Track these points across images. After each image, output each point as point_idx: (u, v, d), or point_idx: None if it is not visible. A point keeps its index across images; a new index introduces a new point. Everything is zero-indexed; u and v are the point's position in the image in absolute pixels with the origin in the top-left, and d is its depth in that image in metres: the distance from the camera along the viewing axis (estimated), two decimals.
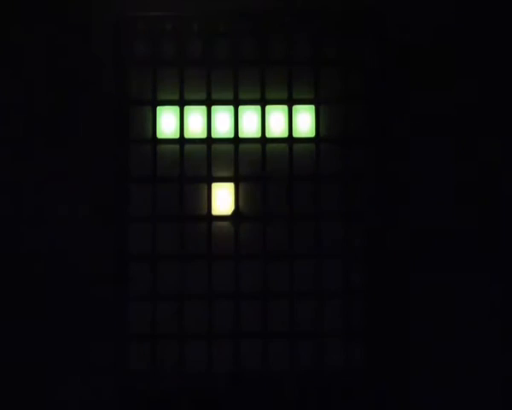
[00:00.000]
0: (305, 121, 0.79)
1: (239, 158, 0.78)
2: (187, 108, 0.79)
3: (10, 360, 0.76)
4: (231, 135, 0.79)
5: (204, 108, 0.79)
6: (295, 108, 0.79)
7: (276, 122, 0.79)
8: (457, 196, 0.78)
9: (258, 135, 0.79)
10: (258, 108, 0.79)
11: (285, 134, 0.79)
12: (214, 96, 0.79)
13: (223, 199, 0.78)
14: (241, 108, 0.79)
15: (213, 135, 0.79)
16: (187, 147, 0.78)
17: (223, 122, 0.79)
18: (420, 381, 0.77)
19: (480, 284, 0.77)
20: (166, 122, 0.79)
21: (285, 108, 0.79)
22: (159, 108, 0.79)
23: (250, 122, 0.79)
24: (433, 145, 0.78)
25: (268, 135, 0.79)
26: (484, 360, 0.77)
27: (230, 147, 0.79)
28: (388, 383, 0.76)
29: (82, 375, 0.76)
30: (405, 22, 0.79)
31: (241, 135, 0.79)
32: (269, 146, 0.79)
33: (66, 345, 0.76)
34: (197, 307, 0.77)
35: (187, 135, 0.79)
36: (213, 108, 0.79)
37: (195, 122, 0.79)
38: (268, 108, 0.79)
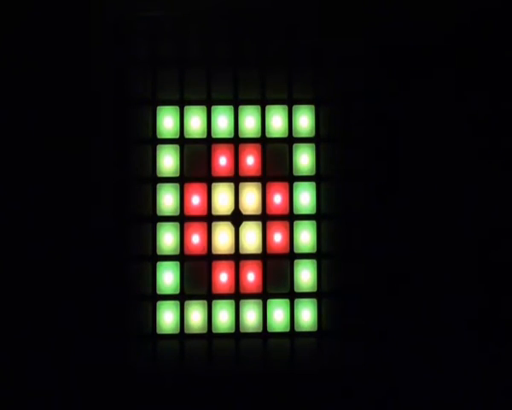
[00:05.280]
0: (305, 121, 0.79)
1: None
2: (187, 108, 0.79)
3: (10, 359, 0.76)
4: (231, 135, 0.79)
5: (204, 108, 0.79)
6: (295, 107, 0.79)
7: (276, 122, 0.79)
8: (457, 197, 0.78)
9: (258, 135, 0.79)
10: (258, 108, 0.79)
11: (285, 134, 0.79)
12: (214, 96, 0.79)
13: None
14: (241, 108, 0.79)
15: (213, 135, 0.79)
16: (187, 147, 0.79)
17: (223, 122, 0.79)
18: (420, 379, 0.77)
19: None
20: (166, 122, 0.79)
21: (285, 107, 0.79)
22: (159, 108, 0.79)
23: (250, 122, 0.79)
24: (432, 145, 0.79)
25: (268, 135, 0.79)
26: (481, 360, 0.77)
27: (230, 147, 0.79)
28: (388, 383, 0.77)
29: (83, 374, 0.76)
30: (403, 24, 0.79)
31: (241, 135, 0.79)
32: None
33: (68, 344, 0.76)
34: (198, 307, 0.77)
35: (187, 135, 0.79)
36: (213, 108, 0.79)
37: (195, 122, 0.79)
38: (268, 108, 0.79)
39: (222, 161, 0.79)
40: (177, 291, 0.77)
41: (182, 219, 0.78)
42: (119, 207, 0.77)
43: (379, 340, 0.77)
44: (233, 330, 0.77)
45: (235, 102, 0.79)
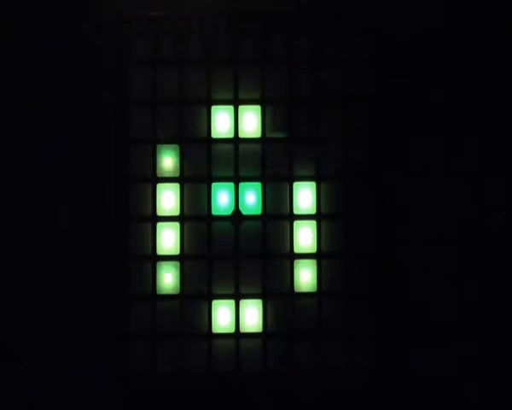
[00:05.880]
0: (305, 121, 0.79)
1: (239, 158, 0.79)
2: (187, 108, 0.79)
3: (10, 359, 0.76)
4: (231, 135, 0.79)
5: (204, 108, 0.79)
6: (295, 108, 0.79)
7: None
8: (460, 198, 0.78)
9: (258, 135, 0.79)
10: (258, 108, 0.79)
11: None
12: (214, 96, 0.79)
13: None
14: (241, 108, 0.79)
15: (213, 135, 0.79)
16: (187, 147, 0.79)
17: (223, 122, 0.79)
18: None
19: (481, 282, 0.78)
20: (166, 122, 0.79)
21: (285, 108, 0.79)
22: (159, 109, 0.79)
23: (250, 122, 0.79)
24: (432, 144, 0.79)
25: (268, 135, 0.79)
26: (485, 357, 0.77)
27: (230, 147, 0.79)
28: (389, 383, 0.77)
29: (82, 374, 0.76)
30: (403, 21, 0.79)
31: (241, 135, 0.79)
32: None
33: (67, 344, 0.76)
34: (197, 307, 0.77)
35: (187, 135, 0.79)
36: (213, 108, 0.79)
37: (196, 122, 0.79)
38: (268, 107, 0.79)
39: (222, 160, 0.78)
40: (178, 291, 0.77)
41: (182, 219, 0.78)
42: (119, 207, 0.77)
43: (379, 340, 0.77)
44: (233, 330, 0.77)
45: (235, 102, 0.79)
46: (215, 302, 0.77)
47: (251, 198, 0.78)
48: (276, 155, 0.79)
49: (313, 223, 0.78)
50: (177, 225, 0.78)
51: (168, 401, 0.76)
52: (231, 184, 0.78)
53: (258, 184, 0.78)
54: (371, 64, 0.79)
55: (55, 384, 0.76)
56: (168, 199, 0.78)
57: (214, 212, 0.78)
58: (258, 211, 0.78)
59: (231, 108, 0.79)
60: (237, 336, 0.77)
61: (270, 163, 0.78)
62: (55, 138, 0.77)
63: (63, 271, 0.76)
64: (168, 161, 0.76)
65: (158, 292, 0.77)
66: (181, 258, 0.77)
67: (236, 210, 0.78)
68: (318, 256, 0.78)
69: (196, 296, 0.77)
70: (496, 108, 0.79)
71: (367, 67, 0.79)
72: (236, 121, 0.79)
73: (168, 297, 0.77)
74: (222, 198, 0.78)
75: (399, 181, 0.78)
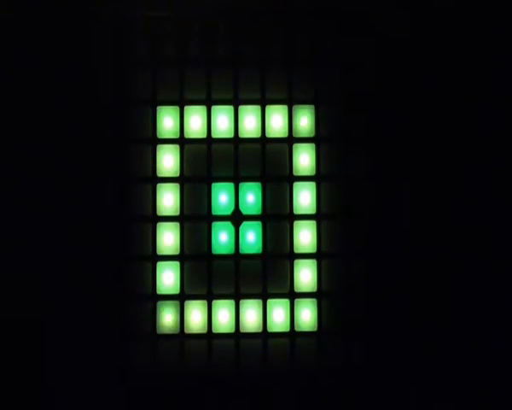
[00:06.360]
0: (305, 121, 0.79)
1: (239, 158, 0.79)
2: (187, 108, 0.79)
3: (11, 358, 0.76)
4: (231, 135, 0.79)
5: (204, 108, 0.79)
6: (295, 107, 0.79)
7: (276, 122, 0.79)
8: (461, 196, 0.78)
9: (258, 135, 0.79)
10: (259, 108, 0.79)
11: (285, 134, 0.79)
12: (214, 96, 0.79)
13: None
14: (241, 108, 0.79)
15: (213, 135, 0.79)
16: (187, 147, 0.79)
17: (223, 122, 0.79)
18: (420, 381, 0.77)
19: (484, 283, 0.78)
20: (166, 122, 0.79)
21: (285, 107, 0.79)
22: (159, 108, 0.79)
23: (250, 122, 0.79)
24: (434, 143, 0.79)
25: (268, 135, 0.79)
26: (486, 359, 0.77)
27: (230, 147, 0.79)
28: (388, 382, 0.77)
29: (83, 375, 0.76)
30: (402, 21, 0.79)
31: (241, 135, 0.79)
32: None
33: (68, 344, 0.76)
34: (198, 307, 0.77)
35: (187, 135, 0.79)
36: (213, 108, 0.79)
37: (195, 122, 0.79)
38: (268, 108, 0.79)
39: (222, 160, 0.79)
40: (177, 291, 0.77)
41: (182, 219, 0.78)
42: (119, 208, 0.77)
43: (379, 340, 0.77)
44: (233, 331, 0.77)
45: (235, 102, 0.79)
46: (215, 302, 0.77)
47: (251, 198, 0.78)
48: (275, 155, 0.79)
49: (313, 223, 0.78)
50: (177, 225, 0.78)
51: (168, 400, 0.76)
52: (231, 184, 0.78)
53: (258, 184, 0.78)
54: (371, 64, 0.79)
55: (55, 384, 0.76)
56: (168, 199, 0.78)
57: (214, 212, 0.78)
58: (258, 211, 0.78)
59: (231, 108, 0.79)
60: (237, 336, 0.77)
61: (270, 163, 0.79)
62: (54, 138, 0.77)
63: (63, 271, 0.76)
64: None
65: (158, 292, 0.77)
66: (181, 258, 0.77)
67: (236, 210, 0.78)
68: (318, 256, 0.78)
69: (196, 296, 0.77)
70: (497, 105, 0.79)
71: (367, 67, 0.79)
72: (236, 121, 0.79)
73: (168, 297, 0.77)
74: (222, 198, 0.78)
75: (399, 181, 0.78)
